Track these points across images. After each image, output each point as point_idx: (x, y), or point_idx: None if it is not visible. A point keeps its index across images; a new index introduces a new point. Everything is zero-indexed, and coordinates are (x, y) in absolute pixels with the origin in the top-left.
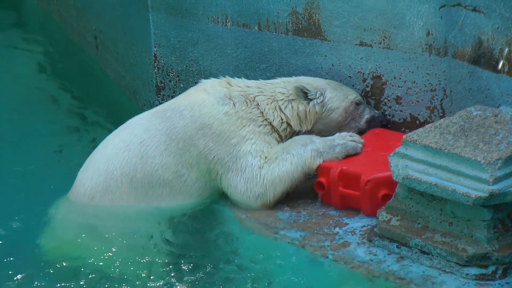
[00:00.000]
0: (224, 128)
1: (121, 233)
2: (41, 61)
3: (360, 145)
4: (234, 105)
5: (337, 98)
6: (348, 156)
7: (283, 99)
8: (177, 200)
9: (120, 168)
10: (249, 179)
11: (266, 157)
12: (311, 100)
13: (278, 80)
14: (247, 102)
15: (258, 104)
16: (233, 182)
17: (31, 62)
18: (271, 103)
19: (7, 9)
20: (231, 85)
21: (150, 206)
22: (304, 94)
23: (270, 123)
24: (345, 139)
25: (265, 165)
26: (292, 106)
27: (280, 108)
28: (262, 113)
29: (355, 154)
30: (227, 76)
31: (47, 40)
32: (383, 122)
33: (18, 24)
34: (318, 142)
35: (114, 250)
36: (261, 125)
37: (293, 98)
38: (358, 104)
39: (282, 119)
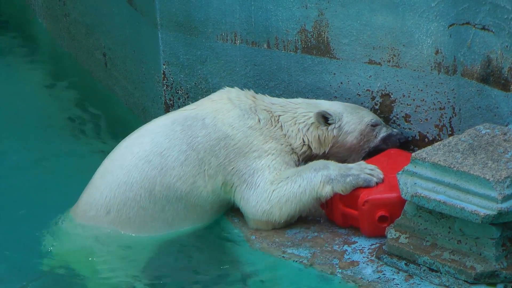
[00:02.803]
0: (247, 141)
1: (128, 249)
2: (49, 79)
3: (375, 179)
4: (259, 121)
5: (353, 121)
6: None
7: (304, 122)
8: (191, 214)
9: (139, 181)
10: (260, 193)
11: (279, 175)
12: (330, 125)
13: (300, 101)
14: (271, 121)
15: (282, 125)
16: (245, 195)
17: (39, 80)
18: (294, 125)
19: (14, 27)
20: (256, 99)
21: (160, 225)
22: (324, 119)
23: (290, 145)
24: (362, 171)
25: (275, 182)
26: (312, 129)
27: (302, 131)
28: (285, 135)
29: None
30: (251, 89)
31: (56, 58)
32: (402, 140)
33: (26, 43)
34: (332, 168)
35: (118, 269)
36: (283, 143)
37: (313, 122)
38: (374, 125)
39: (304, 142)
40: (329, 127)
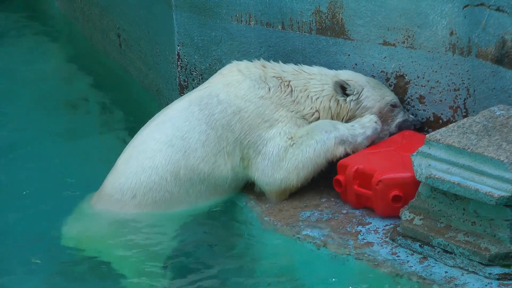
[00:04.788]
0: (259, 111)
1: (145, 232)
2: (64, 60)
3: (378, 127)
4: (269, 89)
5: (373, 97)
6: (370, 154)
7: (315, 91)
8: (212, 194)
9: (164, 165)
10: (275, 162)
11: (292, 139)
12: (348, 95)
13: (316, 71)
14: (281, 87)
15: (292, 90)
16: (260, 165)
17: (54, 60)
18: (304, 91)
19: (29, 8)
20: (265, 67)
21: (184, 208)
22: (342, 89)
23: (299, 111)
24: (365, 128)
25: (290, 149)
26: (324, 101)
27: (312, 99)
28: (294, 101)
29: (377, 153)
30: (261, 58)
31: (70, 39)
32: (417, 126)
33: (40, 23)
34: (341, 129)
35: (134, 250)
36: (292, 111)
37: (326, 94)
38: (393, 106)
39: (312, 109)
40: (347, 98)
